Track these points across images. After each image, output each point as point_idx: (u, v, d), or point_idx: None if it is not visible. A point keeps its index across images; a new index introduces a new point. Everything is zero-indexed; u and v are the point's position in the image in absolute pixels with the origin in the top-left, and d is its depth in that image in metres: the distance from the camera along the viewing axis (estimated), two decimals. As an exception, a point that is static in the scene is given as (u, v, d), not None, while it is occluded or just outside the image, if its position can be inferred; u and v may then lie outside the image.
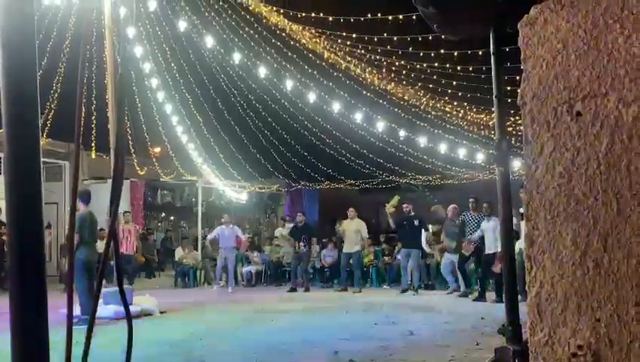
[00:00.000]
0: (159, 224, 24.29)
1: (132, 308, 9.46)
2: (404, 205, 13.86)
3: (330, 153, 19.75)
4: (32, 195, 1.33)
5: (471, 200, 12.41)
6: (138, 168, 18.26)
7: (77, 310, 8.73)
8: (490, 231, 11.66)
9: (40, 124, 1.39)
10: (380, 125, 16.68)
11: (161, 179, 19.52)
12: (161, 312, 10.17)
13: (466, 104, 17.22)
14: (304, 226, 14.97)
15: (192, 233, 20.61)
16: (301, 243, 14.49)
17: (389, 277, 15.18)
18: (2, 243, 13.31)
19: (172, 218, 25.27)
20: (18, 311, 1.31)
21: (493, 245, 11.45)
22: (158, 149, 21.14)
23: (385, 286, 14.61)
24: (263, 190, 22.88)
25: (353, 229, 14.22)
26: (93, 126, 15.91)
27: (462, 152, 18.21)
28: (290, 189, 23.43)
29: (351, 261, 14.18)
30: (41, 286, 1.33)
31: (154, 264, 18.83)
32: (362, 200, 25.74)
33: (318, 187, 23.22)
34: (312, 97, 15.15)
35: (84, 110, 15.63)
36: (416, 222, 13.47)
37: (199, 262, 16.50)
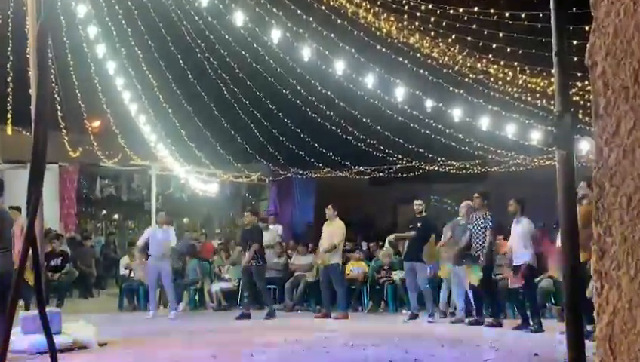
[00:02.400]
0: (98, 225, 24.35)
1: (59, 339, 9.47)
2: (416, 203, 13.95)
3: (331, 130, 19.77)
4: None
5: (475, 195, 12.72)
6: (70, 149, 18.26)
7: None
8: (518, 236, 11.85)
9: None
10: (400, 92, 16.65)
11: (101, 164, 19.53)
12: (101, 345, 10.18)
13: (516, 64, 17.22)
14: (253, 229, 14.94)
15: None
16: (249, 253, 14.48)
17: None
18: None
19: (116, 216, 25.32)
20: None
21: (521, 255, 11.74)
22: (97, 123, 21.13)
23: (405, 311, 14.73)
24: (241, 179, 22.90)
25: (326, 235, 14.40)
26: (9, 91, 15.91)
27: (510, 129, 18.21)
28: (276, 178, 23.47)
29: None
30: None
31: (92, 279, 18.89)
32: (373, 194, 25.86)
33: (314, 175, 23.25)
34: (306, 53, 15.09)
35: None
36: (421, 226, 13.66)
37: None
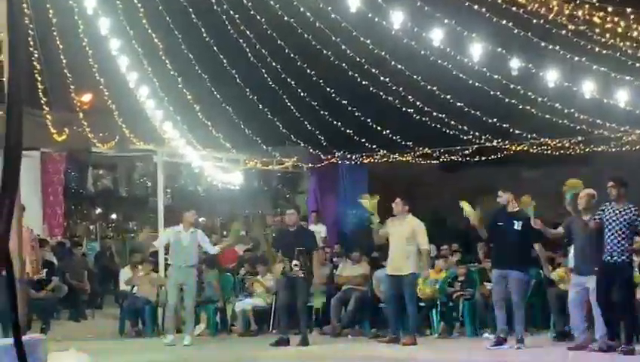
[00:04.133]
0: (91, 227, 24.54)
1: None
2: (500, 194, 13.83)
3: (388, 101, 19.66)
4: None
5: (610, 184, 12.47)
6: (54, 131, 18.44)
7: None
8: None
9: None
10: (476, 49, 16.48)
11: (93, 150, 19.70)
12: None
13: (629, 10, 16.92)
14: (300, 231, 14.98)
15: (147, 242, 20.81)
16: (294, 262, 14.51)
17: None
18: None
19: (114, 216, 25.52)
20: None
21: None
22: (87, 98, 21.30)
23: (486, 335, 14.67)
24: (271, 166, 22.92)
25: (404, 234, 14.35)
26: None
27: (621, 97, 17.90)
28: (317, 165, 23.44)
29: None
30: None
31: (84, 296, 19.05)
32: (444, 183, 25.70)
33: (366, 160, 23.16)
34: (353, 1, 14.98)
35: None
36: (517, 225, 13.53)
37: (162, 291, 16.65)
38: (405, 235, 14.36)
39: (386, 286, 14.88)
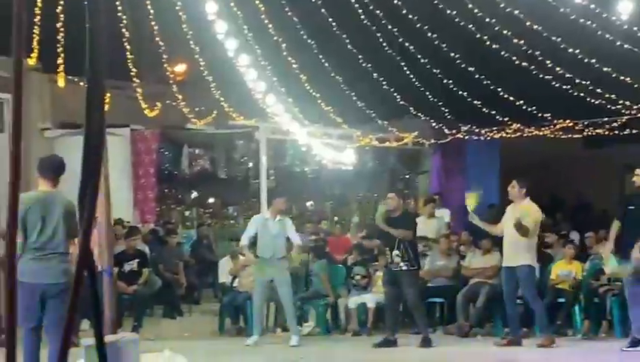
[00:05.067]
0: (187, 213, 24.97)
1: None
2: (637, 172, 13.64)
3: (522, 67, 19.47)
4: None
5: None
6: (145, 106, 18.86)
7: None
8: None
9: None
10: (624, 6, 16.23)
11: (188, 127, 20.06)
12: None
13: None
14: (403, 216, 14.98)
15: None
16: (395, 253, 14.52)
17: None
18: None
19: (211, 200, 25.87)
20: None
21: None
22: (182, 68, 21.70)
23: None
24: (388, 143, 22.96)
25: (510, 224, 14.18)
26: (59, 27, 16.52)
27: None
28: (440, 141, 23.38)
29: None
30: None
31: (180, 291, 19.40)
32: (589, 161, 25.30)
33: (497, 135, 22.99)
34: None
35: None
36: None
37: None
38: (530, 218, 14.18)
39: (502, 281, 14.80)
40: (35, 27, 16.85)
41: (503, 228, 14.43)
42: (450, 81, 20.40)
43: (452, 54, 19.56)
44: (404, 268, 14.49)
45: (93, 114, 1.89)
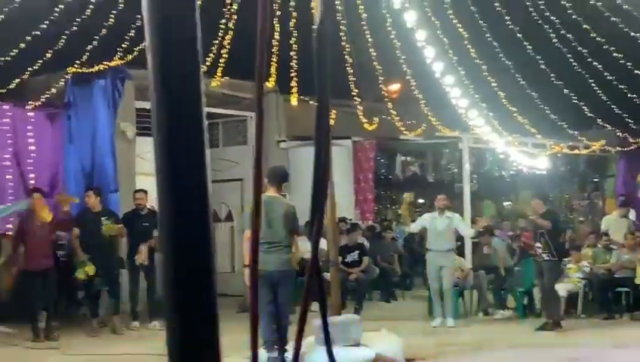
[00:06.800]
0: (400, 212, 25.27)
1: (359, 352, 10.32)
2: None
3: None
4: (192, 169, 1.63)
5: None
6: (365, 120, 19.23)
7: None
8: None
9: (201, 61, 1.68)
10: None
11: (401, 138, 20.34)
12: (409, 360, 10.94)
13: None
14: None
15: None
16: (537, 244, 14.40)
17: None
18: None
19: (421, 201, 26.10)
20: (177, 344, 1.67)
21: None
22: (395, 88, 21.98)
23: None
24: (577, 151, 22.60)
25: None
26: (293, 55, 17.13)
27: None
28: (625, 148, 22.79)
29: None
30: (210, 310, 1.67)
31: (395, 278, 19.79)
32: None
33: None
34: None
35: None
36: None
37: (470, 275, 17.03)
38: None
39: None
40: (273, 55, 17.53)
41: None
42: (635, 96, 19.91)
43: (637, 72, 19.10)
44: (546, 258, 14.50)
45: (320, 128, 2.00)
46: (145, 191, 15.03)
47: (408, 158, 24.19)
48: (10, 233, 14.70)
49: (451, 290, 15.55)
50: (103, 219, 14.41)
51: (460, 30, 17.60)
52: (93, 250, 14.25)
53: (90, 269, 13.98)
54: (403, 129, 19.65)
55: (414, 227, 16.67)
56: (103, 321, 14.81)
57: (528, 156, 20.91)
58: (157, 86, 1.63)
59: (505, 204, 25.77)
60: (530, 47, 18.64)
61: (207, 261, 1.65)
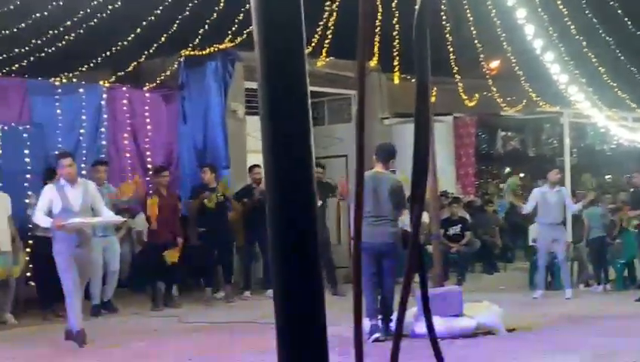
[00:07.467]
0: (501, 186, 25.00)
1: (461, 323, 10.31)
2: None
3: None
4: (297, 145, 1.66)
5: None
6: (465, 97, 19.08)
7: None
8: None
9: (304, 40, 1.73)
10: None
11: (502, 114, 20.11)
12: (509, 330, 10.81)
13: None
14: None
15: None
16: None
17: None
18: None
19: (521, 175, 25.77)
20: (285, 323, 1.71)
21: None
22: (495, 64, 21.70)
23: None
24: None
25: None
26: (395, 35, 17.10)
27: None
28: None
29: None
30: (316, 286, 1.71)
31: (496, 251, 19.65)
32: None
33: None
34: None
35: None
36: None
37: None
38: None
39: None
40: (376, 35, 17.50)
41: None
42: None
43: None
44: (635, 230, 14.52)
45: (421, 104, 1.99)
46: (261, 167, 15.11)
47: (509, 133, 23.91)
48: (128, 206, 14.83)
49: (567, 262, 15.35)
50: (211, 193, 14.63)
51: (560, 7, 17.26)
52: (208, 224, 14.54)
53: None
54: (504, 105, 19.44)
55: (529, 207, 16.37)
56: (217, 291, 15.08)
57: (628, 130, 20.43)
58: (263, 67, 1.68)
59: (606, 177, 25.27)
60: (630, 22, 18.15)
61: (311, 235, 1.68)
